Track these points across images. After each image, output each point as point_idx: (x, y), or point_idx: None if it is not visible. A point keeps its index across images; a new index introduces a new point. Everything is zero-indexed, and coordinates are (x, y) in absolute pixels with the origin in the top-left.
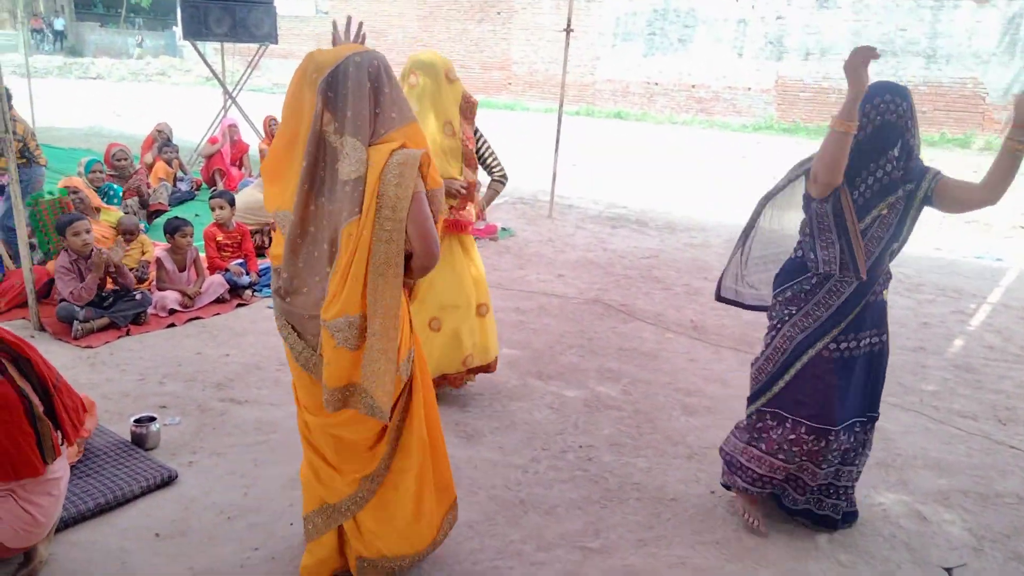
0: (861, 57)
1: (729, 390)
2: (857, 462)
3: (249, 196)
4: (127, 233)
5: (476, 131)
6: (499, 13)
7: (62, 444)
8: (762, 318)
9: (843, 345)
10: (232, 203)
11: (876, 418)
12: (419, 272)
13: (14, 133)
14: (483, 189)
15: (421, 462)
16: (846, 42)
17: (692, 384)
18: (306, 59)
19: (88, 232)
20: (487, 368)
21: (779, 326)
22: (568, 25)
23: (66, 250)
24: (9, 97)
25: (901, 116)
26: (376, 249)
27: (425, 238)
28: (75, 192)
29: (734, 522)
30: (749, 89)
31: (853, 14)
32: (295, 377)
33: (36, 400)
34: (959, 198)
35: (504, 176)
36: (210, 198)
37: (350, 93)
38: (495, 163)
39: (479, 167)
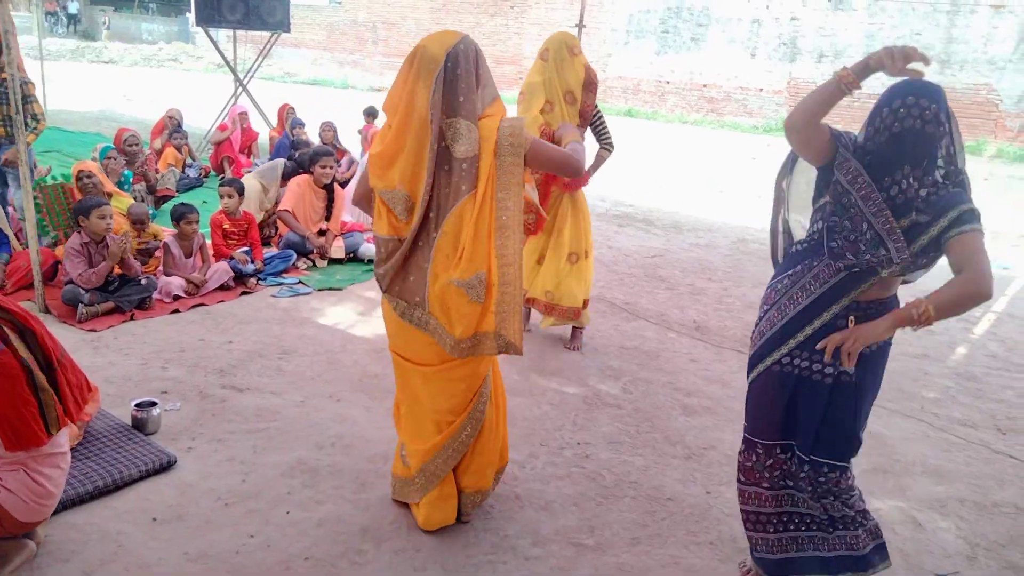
0: (900, 55)
1: (729, 391)
2: (812, 493)
3: (248, 184)
4: (137, 222)
5: (596, 106)
6: (512, 7)
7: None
8: None
9: (794, 361)
10: (241, 192)
11: (836, 466)
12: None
13: (26, 98)
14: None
15: (500, 410)
16: (860, 45)
17: (692, 384)
18: (417, 50)
19: (112, 217)
20: (574, 313)
21: (759, 322)
22: (580, 21)
23: (79, 232)
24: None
25: (928, 122)
26: (501, 205)
27: (563, 163)
28: (89, 176)
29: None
30: (761, 90)
31: (868, 17)
32: (400, 338)
33: (38, 371)
34: (953, 266)
35: (611, 144)
36: (219, 185)
37: (460, 79)
38: (604, 132)
39: (587, 132)
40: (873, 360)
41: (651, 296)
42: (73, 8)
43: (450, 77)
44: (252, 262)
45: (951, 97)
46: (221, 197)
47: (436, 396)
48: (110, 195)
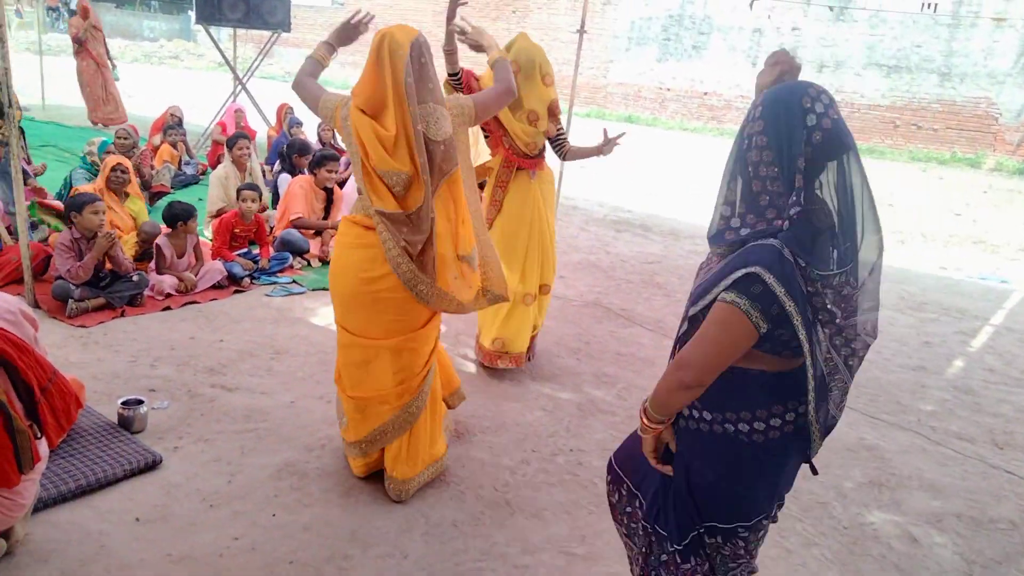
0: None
1: None
2: None
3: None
4: (145, 243)
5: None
6: (514, 12)
7: (40, 437)
8: None
9: None
10: (262, 196)
11: None
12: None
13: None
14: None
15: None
16: (861, 56)
17: None
18: (384, 37)
19: (104, 213)
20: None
21: None
22: (582, 26)
23: (70, 227)
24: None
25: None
26: (467, 186)
27: (502, 94)
28: (124, 172)
29: None
30: None
31: (869, 28)
32: (357, 314)
33: (16, 410)
34: None
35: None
36: (240, 188)
37: (426, 67)
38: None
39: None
40: None
41: (648, 303)
42: (75, 4)
43: (416, 65)
44: (257, 259)
45: (951, 109)
46: (244, 200)
47: (384, 370)
48: (127, 195)
